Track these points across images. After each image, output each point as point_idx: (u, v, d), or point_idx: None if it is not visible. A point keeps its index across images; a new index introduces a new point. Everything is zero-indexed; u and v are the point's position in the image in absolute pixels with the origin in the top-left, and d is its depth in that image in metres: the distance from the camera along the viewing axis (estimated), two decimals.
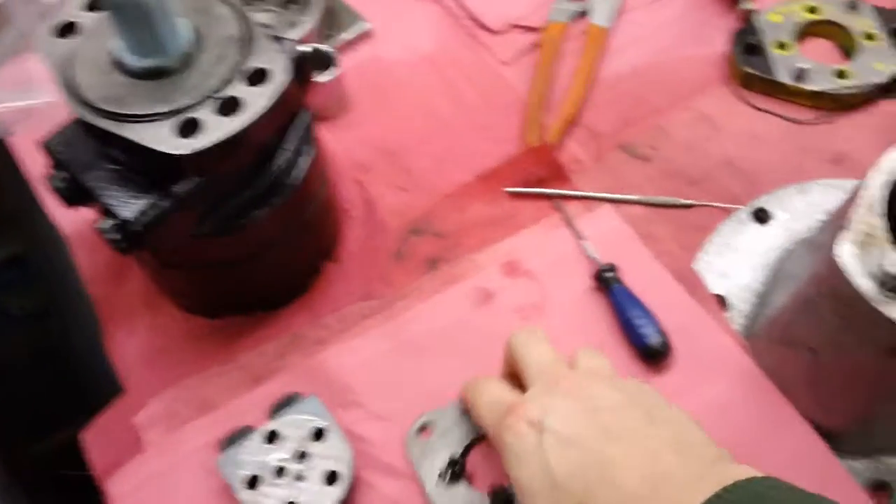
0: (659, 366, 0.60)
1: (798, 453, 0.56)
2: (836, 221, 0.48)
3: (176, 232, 0.52)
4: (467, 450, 0.55)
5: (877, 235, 0.46)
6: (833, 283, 0.47)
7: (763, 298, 0.62)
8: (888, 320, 0.44)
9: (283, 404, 0.58)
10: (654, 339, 0.59)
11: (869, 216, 0.46)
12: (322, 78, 0.69)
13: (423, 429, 0.56)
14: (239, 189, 0.54)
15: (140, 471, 0.57)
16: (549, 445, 0.44)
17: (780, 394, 0.57)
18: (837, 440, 0.56)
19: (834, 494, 0.50)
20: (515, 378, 0.52)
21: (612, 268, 0.63)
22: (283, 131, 0.54)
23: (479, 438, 0.56)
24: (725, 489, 0.39)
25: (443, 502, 0.54)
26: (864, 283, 0.45)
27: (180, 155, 0.46)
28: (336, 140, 0.72)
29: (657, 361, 0.60)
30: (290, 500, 0.53)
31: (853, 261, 0.46)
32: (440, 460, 0.55)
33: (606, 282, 0.63)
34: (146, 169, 0.49)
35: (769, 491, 0.40)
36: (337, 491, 0.54)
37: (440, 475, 0.54)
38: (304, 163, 0.56)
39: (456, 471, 0.54)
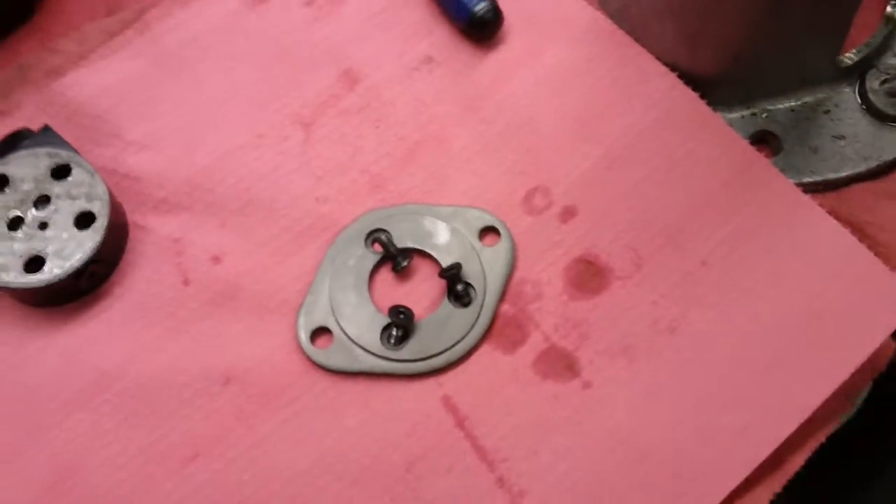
0: (491, 40, 0.51)
1: (665, 108, 0.48)
2: None
3: None
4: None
5: None
6: None
7: None
8: None
9: (7, 144, 0.46)
10: (480, 5, 0.50)
11: None
12: None
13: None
14: None
15: None
16: None
17: (634, 42, 0.49)
18: (709, 89, 0.48)
19: (716, 152, 0.44)
20: None
21: None
22: None
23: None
24: None
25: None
26: None
27: None
28: None
29: (488, 34, 0.52)
30: (35, 253, 0.43)
31: None
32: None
33: None
34: None
35: None
36: (94, 234, 0.44)
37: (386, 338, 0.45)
38: None
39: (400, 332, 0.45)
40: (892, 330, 0.43)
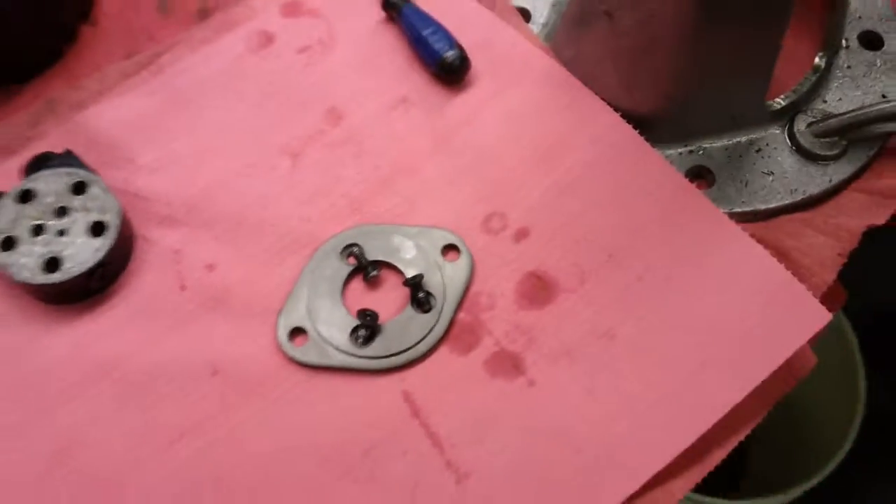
0: (460, 84, 0.58)
1: (609, 143, 0.55)
2: None
3: None
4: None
5: None
6: None
7: (561, 3, 0.60)
8: None
9: (35, 164, 0.54)
10: (450, 52, 0.57)
11: None
12: None
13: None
14: None
15: None
16: None
17: (583, 86, 0.56)
18: (650, 128, 0.55)
19: (651, 183, 0.50)
20: None
21: None
22: None
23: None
24: None
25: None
26: None
27: None
28: None
29: (456, 78, 0.58)
30: (52, 255, 0.50)
31: None
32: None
33: (395, 6, 0.60)
34: None
35: None
36: (105, 241, 0.51)
37: (354, 338, 0.51)
38: None
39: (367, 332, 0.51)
40: (805, 340, 0.49)
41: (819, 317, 0.48)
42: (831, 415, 1.01)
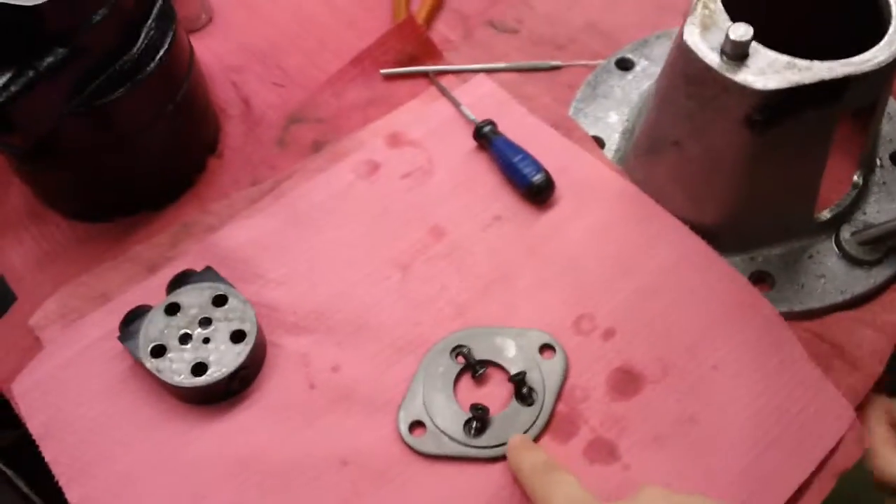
0: (545, 203, 0.67)
1: (681, 253, 0.63)
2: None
3: (43, 107, 0.56)
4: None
5: (716, 14, 0.54)
6: (685, 67, 0.55)
7: (631, 133, 0.70)
8: (734, 84, 0.52)
9: (179, 280, 0.62)
10: (537, 176, 0.66)
11: (709, 1, 0.54)
12: None
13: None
14: (105, 65, 0.58)
15: (41, 367, 0.60)
16: None
17: (655, 202, 0.65)
18: (715, 240, 0.63)
19: (721, 287, 0.59)
20: None
21: (491, 122, 0.70)
22: (147, 8, 0.59)
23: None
24: None
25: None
26: (710, 56, 0.53)
27: (34, 6, 0.51)
28: (205, 48, 0.77)
29: (543, 198, 0.67)
30: (199, 360, 0.58)
31: (698, 40, 0.54)
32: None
33: (486, 136, 0.70)
34: (5, 40, 0.53)
35: None
36: (245, 347, 0.58)
37: (468, 430, 0.58)
38: (166, 41, 0.61)
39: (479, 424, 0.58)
40: (836, 441, 0.56)
41: (845, 415, 0.57)
42: None
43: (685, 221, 0.64)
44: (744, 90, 0.51)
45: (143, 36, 0.59)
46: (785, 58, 0.52)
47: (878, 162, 0.68)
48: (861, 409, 0.58)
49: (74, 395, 0.58)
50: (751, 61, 0.52)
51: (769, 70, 0.51)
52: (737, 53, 0.51)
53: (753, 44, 0.52)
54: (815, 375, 0.58)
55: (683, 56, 0.54)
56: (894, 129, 0.70)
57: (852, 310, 0.63)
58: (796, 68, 0.51)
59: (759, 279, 0.64)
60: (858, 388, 0.59)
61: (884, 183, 0.67)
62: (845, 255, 0.64)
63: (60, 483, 0.55)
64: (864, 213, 0.66)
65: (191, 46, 0.66)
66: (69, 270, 0.64)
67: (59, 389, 0.59)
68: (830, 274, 0.63)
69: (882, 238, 0.62)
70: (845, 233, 0.64)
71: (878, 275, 0.63)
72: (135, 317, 0.60)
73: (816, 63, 0.51)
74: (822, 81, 0.50)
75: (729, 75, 0.52)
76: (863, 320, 0.61)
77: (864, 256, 0.63)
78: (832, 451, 0.56)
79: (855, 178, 0.65)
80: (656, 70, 0.71)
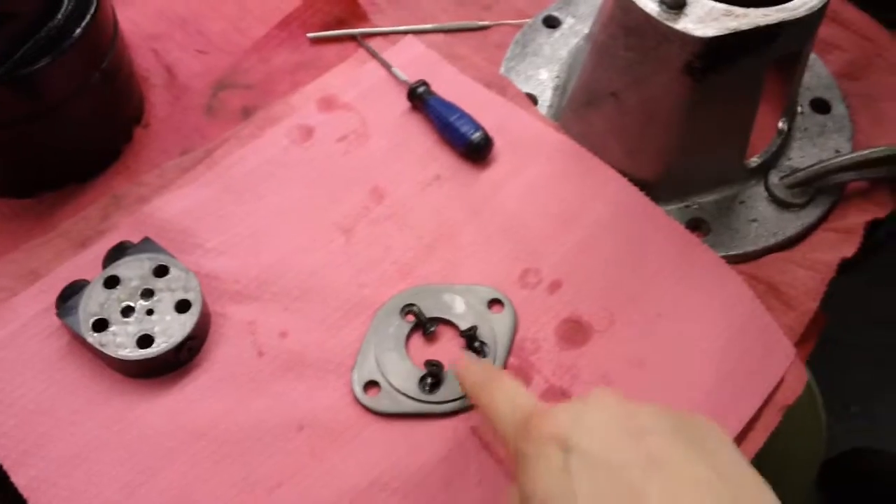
0: (484, 161, 0.68)
1: (620, 204, 0.65)
2: None
3: None
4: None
5: None
6: (623, 19, 0.57)
7: (563, 89, 0.72)
8: (675, 32, 0.54)
9: (116, 253, 0.61)
10: (476, 134, 0.67)
11: None
12: None
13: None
14: (30, 32, 0.57)
15: None
16: (576, 468, 0.37)
17: (592, 155, 0.67)
18: (651, 189, 0.66)
19: (659, 235, 0.61)
20: None
21: (424, 83, 0.71)
22: None
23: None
24: None
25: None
26: (650, 6, 0.55)
27: None
28: (123, 16, 0.74)
29: (482, 156, 0.68)
30: (144, 332, 0.57)
31: None
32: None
33: (421, 97, 0.70)
34: None
35: None
36: (191, 317, 0.58)
37: (422, 386, 0.59)
38: (91, 7, 0.60)
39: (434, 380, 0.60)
40: (780, 377, 0.60)
41: (787, 352, 0.60)
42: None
43: (622, 173, 0.66)
44: (684, 38, 0.53)
45: (66, 1, 0.57)
46: (722, 6, 0.54)
47: (800, 109, 0.71)
48: (798, 346, 0.61)
49: (12, 376, 0.56)
50: (689, 10, 0.54)
51: (707, 18, 0.53)
52: (675, 2, 0.53)
53: None
54: (758, 312, 0.61)
55: (622, 8, 0.55)
56: (812, 77, 0.73)
57: (784, 251, 0.66)
58: (733, 15, 0.53)
59: (695, 227, 0.66)
60: (795, 326, 0.62)
61: (805, 129, 0.71)
62: (774, 199, 0.67)
63: (5, 466, 0.53)
64: (790, 159, 0.69)
65: (114, 12, 0.64)
66: None
67: None
68: (762, 218, 0.66)
69: (808, 180, 0.66)
70: (773, 178, 0.67)
71: (807, 216, 0.66)
72: (71, 292, 0.58)
73: (752, 10, 0.53)
74: (758, 27, 0.53)
75: (669, 24, 0.54)
76: (795, 260, 0.65)
77: (792, 200, 0.66)
78: (776, 388, 0.59)
79: (780, 125, 0.68)
80: (582, 27, 0.73)
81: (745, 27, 0.53)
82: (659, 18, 0.54)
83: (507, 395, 0.47)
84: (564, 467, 0.38)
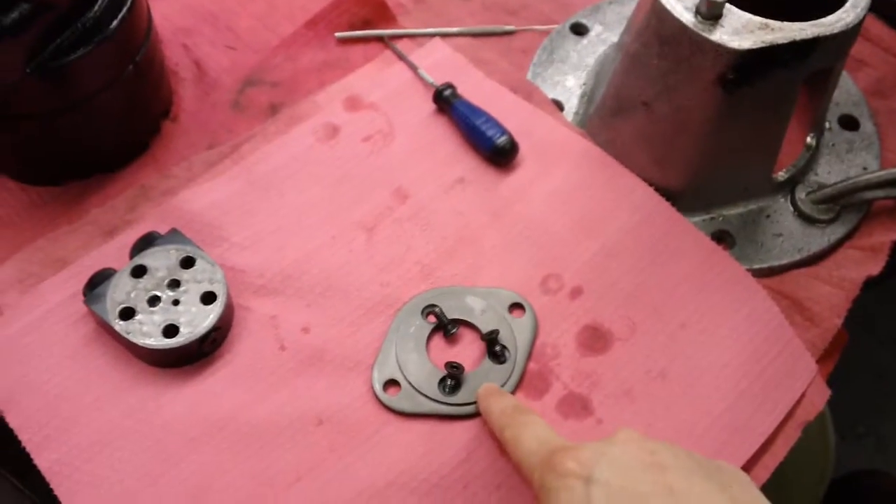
0: (509, 165, 0.70)
1: (645, 213, 0.67)
2: None
3: (4, 65, 0.56)
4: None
5: None
6: (658, 28, 0.59)
7: (589, 96, 0.74)
8: (710, 43, 0.56)
9: (143, 243, 0.63)
10: (501, 138, 0.69)
11: None
12: None
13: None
14: (66, 23, 0.59)
15: (1, 333, 0.60)
16: (597, 498, 0.40)
17: (618, 163, 0.69)
18: (677, 199, 0.67)
19: (684, 245, 0.63)
20: None
21: (450, 86, 0.73)
22: None
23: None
24: None
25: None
26: (685, 16, 0.57)
27: None
28: (154, 10, 0.77)
29: (507, 161, 0.70)
30: (170, 322, 0.59)
31: (673, 1, 0.57)
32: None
33: (447, 100, 0.72)
34: None
35: None
36: (216, 308, 0.60)
37: (442, 387, 0.61)
38: (125, 4, 0.62)
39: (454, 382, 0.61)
40: (801, 393, 0.61)
41: (809, 368, 0.62)
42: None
43: (648, 182, 0.68)
44: (719, 49, 0.55)
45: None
46: (758, 19, 0.56)
47: (828, 125, 0.73)
48: (820, 362, 0.63)
49: (38, 361, 0.58)
50: (725, 21, 0.56)
51: (743, 30, 0.55)
52: (711, 14, 0.55)
53: (726, 5, 0.56)
54: (782, 327, 0.62)
55: (658, 17, 0.57)
56: (841, 93, 0.75)
57: (809, 267, 0.68)
58: (769, 29, 0.55)
59: (720, 239, 0.68)
60: (817, 342, 0.63)
61: (833, 145, 0.73)
62: (801, 215, 0.68)
63: (28, 449, 0.55)
64: (817, 175, 0.71)
65: (148, 6, 0.67)
66: (23, 236, 0.64)
67: (21, 355, 0.59)
68: (787, 232, 0.68)
69: (835, 197, 0.67)
70: (800, 193, 0.69)
71: (833, 233, 0.68)
72: (99, 280, 0.60)
73: (788, 24, 0.55)
74: (794, 42, 0.55)
75: (705, 34, 0.55)
76: (819, 277, 0.66)
77: (818, 216, 0.68)
78: (797, 403, 0.60)
79: (808, 140, 0.70)
80: (610, 35, 0.75)
81: (780, 41, 0.54)
82: (695, 29, 0.56)
83: (534, 433, 0.49)
84: (586, 498, 0.40)
